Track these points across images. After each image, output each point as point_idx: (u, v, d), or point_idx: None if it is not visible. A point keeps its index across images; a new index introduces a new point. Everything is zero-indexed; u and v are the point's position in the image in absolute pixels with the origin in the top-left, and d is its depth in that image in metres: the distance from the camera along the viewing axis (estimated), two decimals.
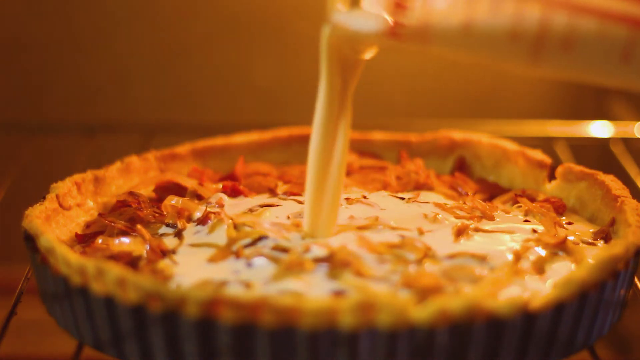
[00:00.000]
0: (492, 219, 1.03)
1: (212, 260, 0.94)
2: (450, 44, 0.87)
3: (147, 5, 1.59)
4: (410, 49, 0.89)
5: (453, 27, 0.86)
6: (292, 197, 1.08)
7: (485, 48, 0.87)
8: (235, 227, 0.98)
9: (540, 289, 0.87)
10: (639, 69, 0.85)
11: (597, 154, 1.51)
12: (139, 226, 1.00)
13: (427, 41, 0.87)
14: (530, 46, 0.85)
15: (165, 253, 0.95)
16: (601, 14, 0.83)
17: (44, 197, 1.03)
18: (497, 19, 0.85)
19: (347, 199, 1.06)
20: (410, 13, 0.87)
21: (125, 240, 0.98)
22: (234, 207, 1.06)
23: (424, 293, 0.86)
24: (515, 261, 0.93)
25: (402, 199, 1.08)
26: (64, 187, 1.05)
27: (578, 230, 1.01)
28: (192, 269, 0.92)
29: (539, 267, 0.92)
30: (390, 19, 0.87)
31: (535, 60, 0.86)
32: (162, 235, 1.00)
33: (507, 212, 1.05)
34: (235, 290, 0.88)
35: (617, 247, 0.90)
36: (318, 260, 0.91)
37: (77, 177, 1.08)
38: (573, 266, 0.92)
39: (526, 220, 1.03)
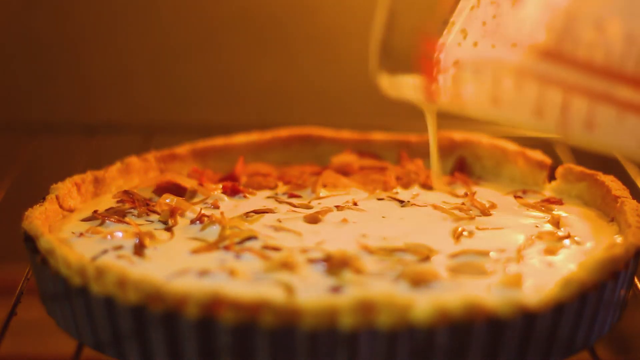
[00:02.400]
0: (489, 215, 1.04)
1: (196, 251, 0.94)
2: (481, 111, 0.94)
3: (147, 5, 1.59)
4: None
5: (483, 99, 0.92)
6: (289, 200, 1.08)
7: (514, 118, 0.93)
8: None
9: (542, 286, 0.87)
10: None
11: (597, 154, 1.51)
12: (128, 218, 1.01)
13: (463, 108, 0.95)
14: (556, 123, 0.90)
15: (143, 245, 0.96)
16: (618, 102, 0.87)
17: (44, 198, 1.03)
18: (522, 98, 0.91)
19: (337, 206, 1.06)
20: (445, 84, 0.95)
21: (119, 234, 0.98)
22: (233, 207, 1.06)
23: (422, 284, 0.86)
24: (517, 255, 0.93)
25: (401, 201, 1.08)
26: (64, 187, 1.05)
27: (577, 236, 1.01)
28: (171, 258, 0.93)
29: (542, 262, 0.92)
30: (426, 84, 0.96)
31: (564, 134, 0.91)
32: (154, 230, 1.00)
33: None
34: (218, 281, 0.88)
35: (617, 247, 0.90)
36: (314, 261, 0.92)
37: (77, 177, 1.08)
38: (573, 266, 0.92)
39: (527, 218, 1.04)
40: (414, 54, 0.97)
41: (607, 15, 0.87)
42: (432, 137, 1.09)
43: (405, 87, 1.00)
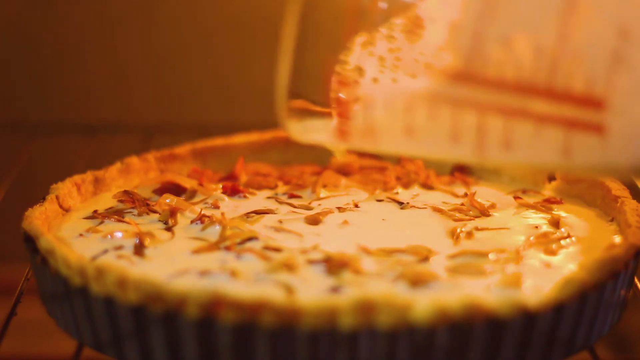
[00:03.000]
0: (489, 216, 1.04)
1: (197, 251, 0.94)
2: (397, 146, 0.93)
3: (147, 5, 1.59)
4: None
5: (396, 132, 0.92)
6: (289, 201, 1.08)
7: (431, 148, 0.92)
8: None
9: (541, 286, 0.87)
10: (581, 161, 0.88)
11: None
12: (128, 218, 1.01)
13: (377, 144, 0.93)
14: (473, 146, 0.89)
15: (143, 245, 0.96)
16: (534, 116, 0.87)
17: (44, 198, 1.03)
18: (436, 125, 0.90)
19: (338, 207, 1.06)
20: (354, 123, 0.93)
21: (119, 234, 0.98)
22: (233, 207, 1.06)
23: (420, 284, 0.86)
24: (517, 255, 0.93)
25: (400, 203, 1.08)
26: (64, 188, 1.05)
27: (577, 236, 1.01)
28: (171, 258, 0.93)
29: (541, 262, 0.93)
30: (338, 127, 0.94)
31: (481, 156, 0.90)
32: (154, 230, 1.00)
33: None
34: (219, 281, 0.88)
35: (617, 247, 0.90)
36: (314, 262, 0.92)
37: (77, 178, 1.08)
38: (573, 266, 0.92)
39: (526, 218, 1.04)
40: (319, 96, 0.97)
41: (513, 31, 0.87)
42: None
43: (315, 131, 0.99)
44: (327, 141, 0.98)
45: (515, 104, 0.87)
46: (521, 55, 0.86)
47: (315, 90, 0.97)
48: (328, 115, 0.96)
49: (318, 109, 0.96)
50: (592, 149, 0.86)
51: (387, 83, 0.92)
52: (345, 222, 1.02)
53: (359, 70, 0.93)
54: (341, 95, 0.94)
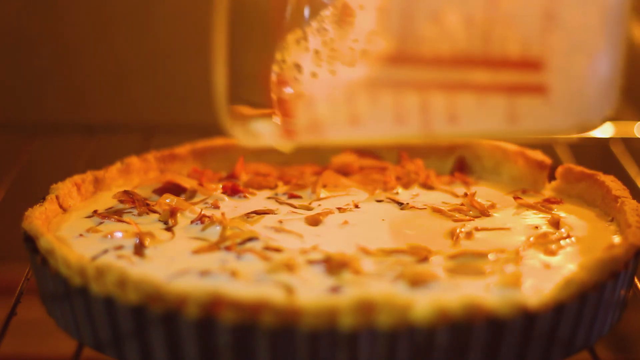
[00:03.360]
0: (490, 216, 1.04)
1: (197, 252, 0.94)
2: (344, 135, 0.93)
3: (146, 5, 1.59)
4: None
5: (341, 123, 0.92)
6: (289, 201, 1.08)
7: (379, 132, 0.92)
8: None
9: (541, 286, 0.87)
10: (528, 125, 0.89)
11: (597, 154, 1.51)
12: (128, 218, 1.01)
13: (323, 136, 0.94)
14: (419, 125, 0.90)
15: (143, 245, 0.96)
16: (474, 87, 0.88)
17: (44, 198, 1.03)
18: (380, 109, 0.90)
19: (338, 208, 1.06)
20: (298, 120, 0.93)
21: (119, 234, 0.98)
22: (233, 207, 1.06)
23: (420, 284, 0.86)
24: (517, 255, 0.93)
25: (400, 203, 1.08)
26: (63, 188, 1.05)
27: (577, 236, 1.01)
28: (171, 258, 0.94)
29: (541, 262, 0.93)
30: (283, 127, 0.94)
31: (429, 134, 0.90)
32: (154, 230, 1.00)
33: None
34: (219, 281, 0.88)
35: (617, 247, 0.90)
36: (314, 262, 0.92)
37: (77, 178, 1.08)
38: (572, 266, 0.92)
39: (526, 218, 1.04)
40: (260, 98, 0.96)
41: (441, 6, 0.88)
42: None
43: (261, 133, 0.98)
44: (274, 142, 0.98)
45: (455, 77, 0.88)
46: (453, 28, 0.87)
47: (255, 92, 0.97)
48: (271, 116, 0.96)
49: (260, 111, 0.96)
50: (536, 112, 0.88)
51: (326, 76, 0.92)
52: (346, 223, 1.02)
53: (297, 67, 0.93)
54: (282, 94, 0.94)
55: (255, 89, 0.96)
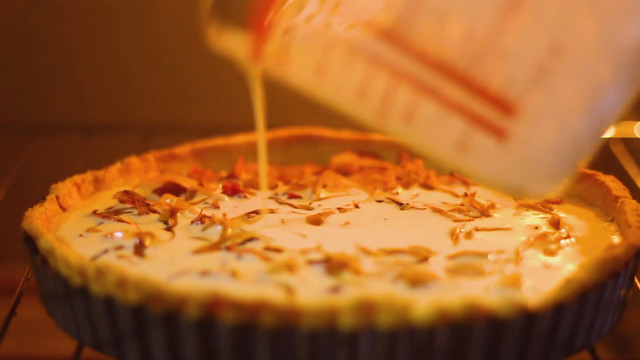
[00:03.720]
0: (490, 216, 1.04)
1: (198, 252, 0.94)
2: (304, 80, 0.92)
3: (146, 5, 1.59)
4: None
5: (308, 65, 0.91)
6: (289, 201, 1.08)
7: (335, 96, 0.90)
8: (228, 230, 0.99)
9: (541, 286, 0.87)
10: (473, 161, 0.86)
11: (597, 154, 1.51)
12: (128, 218, 1.01)
13: (285, 72, 0.93)
14: (375, 109, 0.88)
15: (143, 245, 0.96)
16: (442, 99, 0.85)
17: (44, 198, 1.03)
18: (348, 75, 0.89)
19: (338, 208, 1.06)
20: (272, 40, 0.92)
21: (119, 234, 0.98)
22: (233, 207, 1.06)
23: (419, 284, 0.87)
24: (517, 255, 0.93)
25: (400, 204, 1.08)
26: (64, 188, 1.05)
27: (577, 236, 1.01)
28: (171, 258, 0.94)
29: (541, 262, 0.93)
30: (253, 43, 0.93)
31: (379, 123, 0.88)
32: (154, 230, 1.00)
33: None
34: (219, 281, 0.88)
35: (617, 247, 0.90)
36: (314, 262, 0.92)
37: (77, 178, 1.08)
38: (572, 266, 0.92)
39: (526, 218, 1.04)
40: (247, 10, 0.94)
41: (451, 10, 0.86)
42: (258, 108, 1.07)
43: (232, 43, 0.97)
44: (240, 58, 0.97)
45: (429, 80, 0.86)
46: (450, 35, 0.85)
47: (245, 2, 0.95)
48: (250, 32, 0.95)
49: (242, 23, 0.95)
50: (486, 153, 0.85)
51: (319, 24, 0.91)
52: (347, 223, 1.02)
53: (299, 6, 0.92)
54: (270, 18, 0.92)
55: (246, 3, 0.95)
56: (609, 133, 1.46)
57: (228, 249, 0.95)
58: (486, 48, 0.84)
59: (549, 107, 0.84)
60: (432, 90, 0.85)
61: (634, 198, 1.03)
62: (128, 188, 1.10)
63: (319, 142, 1.23)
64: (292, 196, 1.10)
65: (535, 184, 0.86)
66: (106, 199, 1.08)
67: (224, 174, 1.17)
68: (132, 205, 1.05)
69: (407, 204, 1.08)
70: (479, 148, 0.85)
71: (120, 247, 0.95)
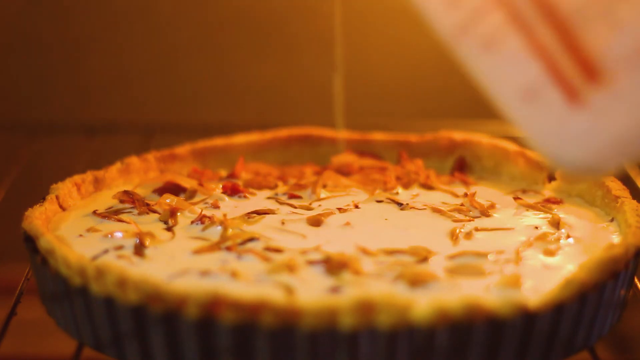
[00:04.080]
0: (490, 216, 1.04)
1: (198, 252, 0.95)
2: None
3: (147, 5, 1.59)
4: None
5: None
6: (289, 202, 1.08)
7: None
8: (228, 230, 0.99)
9: (541, 287, 0.87)
10: (532, 114, 0.81)
11: None
12: (128, 218, 1.01)
13: None
14: (459, 22, 0.82)
15: (143, 245, 0.96)
16: (532, 39, 0.79)
17: (44, 198, 1.03)
18: None
19: (338, 208, 1.06)
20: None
21: (119, 234, 0.98)
22: (233, 207, 1.06)
23: (419, 284, 0.87)
24: (517, 255, 0.93)
25: (400, 204, 1.08)
26: (63, 188, 1.05)
27: (577, 236, 1.01)
28: (171, 258, 0.94)
29: (541, 263, 0.93)
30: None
31: (455, 39, 0.82)
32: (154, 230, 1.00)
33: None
34: (219, 282, 0.88)
35: (617, 248, 0.90)
36: (313, 262, 0.92)
37: (77, 178, 1.08)
38: (572, 266, 0.92)
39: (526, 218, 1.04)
40: None
41: None
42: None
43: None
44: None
45: (528, 14, 0.80)
46: None
47: None
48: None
49: None
50: (549, 110, 0.79)
51: None
52: (347, 224, 1.02)
53: None
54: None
55: None
56: None
57: (228, 249, 0.95)
58: (604, 10, 0.80)
59: (638, 92, 0.78)
60: (527, 25, 0.79)
61: (634, 198, 1.03)
62: (128, 188, 1.10)
63: (319, 142, 1.23)
64: (292, 196, 1.10)
65: (580, 160, 0.80)
66: (106, 199, 1.08)
67: (224, 174, 1.17)
68: (132, 205, 1.05)
69: (407, 204, 1.08)
70: (544, 102, 0.79)
71: (120, 247, 0.95)
